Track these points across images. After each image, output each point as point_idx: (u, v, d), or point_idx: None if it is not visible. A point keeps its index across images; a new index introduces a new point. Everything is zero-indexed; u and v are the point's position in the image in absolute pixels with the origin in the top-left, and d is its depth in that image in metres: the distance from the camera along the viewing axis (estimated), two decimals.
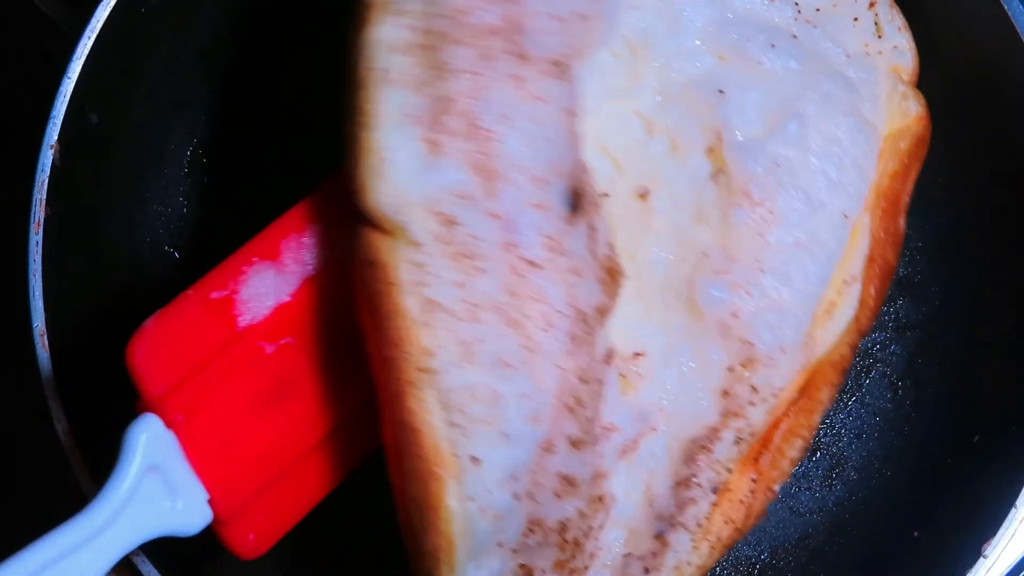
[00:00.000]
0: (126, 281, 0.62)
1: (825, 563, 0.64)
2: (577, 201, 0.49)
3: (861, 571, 0.62)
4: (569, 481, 0.49)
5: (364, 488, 0.55)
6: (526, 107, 0.48)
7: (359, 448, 0.54)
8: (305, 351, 0.51)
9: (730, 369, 0.53)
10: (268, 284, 0.51)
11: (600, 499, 0.51)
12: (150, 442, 0.47)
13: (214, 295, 0.50)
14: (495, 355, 0.46)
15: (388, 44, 0.47)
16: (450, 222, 0.46)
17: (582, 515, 0.50)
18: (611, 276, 0.51)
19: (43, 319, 0.56)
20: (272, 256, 0.51)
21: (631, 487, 0.53)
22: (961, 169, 0.62)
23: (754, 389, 0.53)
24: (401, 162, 0.46)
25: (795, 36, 0.55)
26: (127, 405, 0.58)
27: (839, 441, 0.65)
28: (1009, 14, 0.58)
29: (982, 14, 0.59)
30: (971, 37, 0.61)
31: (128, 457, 0.46)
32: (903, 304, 0.65)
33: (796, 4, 0.56)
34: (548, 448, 0.48)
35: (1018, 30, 0.58)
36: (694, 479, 0.53)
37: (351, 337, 0.51)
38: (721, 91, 0.53)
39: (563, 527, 0.50)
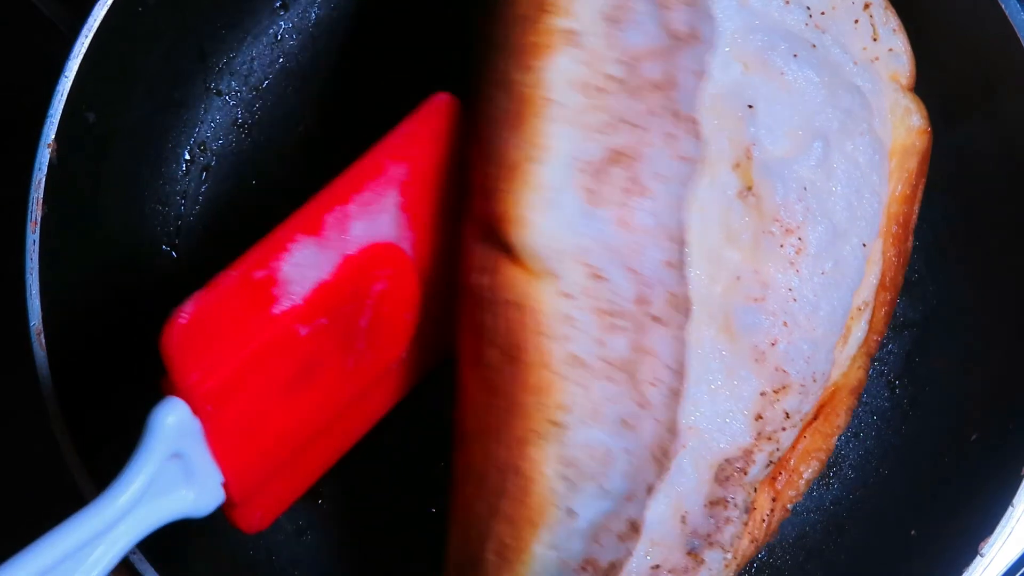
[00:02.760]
0: (124, 280, 0.62)
1: (822, 562, 0.64)
2: (683, 256, 0.49)
3: (858, 570, 0.62)
4: (635, 526, 0.50)
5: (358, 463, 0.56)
6: (675, 166, 0.48)
7: (363, 424, 0.54)
8: (337, 331, 0.50)
9: (763, 394, 0.53)
10: (309, 260, 0.49)
11: (637, 528, 0.51)
12: (175, 428, 0.46)
13: (256, 274, 0.48)
14: (618, 415, 0.46)
15: (567, 78, 0.46)
16: (597, 276, 0.46)
17: (628, 551, 0.51)
18: (685, 316, 0.50)
19: (40, 318, 0.55)
20: (314, 231, 0.50)
21: (654, 501, 0.53)
22: (959, 169, 0.62)
23: (787, 415, 0.54)
24: (564, 206, 0.45)
25: (814, 46, 0.55)
26: (125, 404, 0.58)
27: (836, 440, 0.65)
28: (1007, 14, 0.58)
29: (979, 13, 0.59)
30: (968, 36, 0.61)
31: (152, 442, 0.46)
32: (901, 303, 0.65)
33: (808, 8, 0.55)
34: (630, 498, 0.48)
35: (1015, 29, 0.58)
36: (731, 499, 0.53)
37: (382, 315, 0.51)
38: (750, 106, 0.53)
39: (612, 565, 0.50)
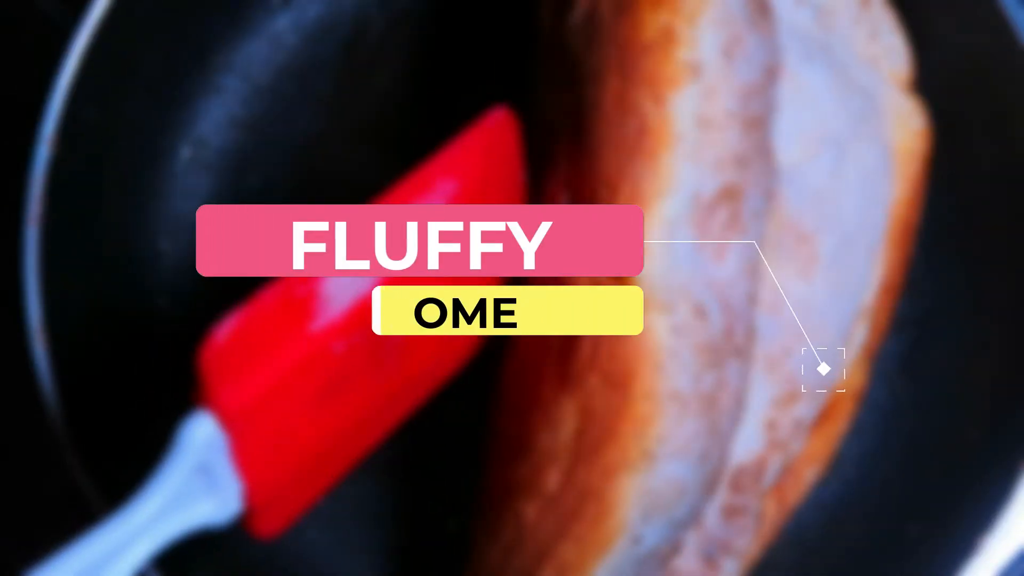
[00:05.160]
0: (123, 278, 0.62)
1: (821, 558, 0.64)
2: (757, 289, 0.49)
3: (857, 566, 0.63)
4: (678, 548, 0.50)
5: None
6: (762, 201, 0.48)
7: (382, 433, 0.54)
8: (370, 348, 0.50)
9: (774, 402, 0.54)
10: (351, 277, 0.49)
11: (679, 549, 0.51)
12: (204, 442, 0.45)
13: (297, 292, 0.47)
14: (700, 449, 0.47)
15: (692, 112, 0.46)
16: (700, 311, 0.46)
17: (665, 567, 0.51)
18: (753, 344, 0.51)
19: (39, 316, 0.55)
20: None
21: None
22: (958, 165, 0.62)
23: (798, 423, 0.54)
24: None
25: (824, 47, 0.55)
26: (127, 403, 0.58)
27: (838, 442, 0.65)
28: (1005, 12, 0.58)
29: (976, 11, 0.59)
30: (966, 34, 0.61)
31: (180, 455, 0.45)
32: (900, 301, 0.65)
33: (814, 7, 0.55)
34: (685, 526, 0.49)
35: (1014, 26, 0.58)
36: (745, 508, 0.54)
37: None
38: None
39: None
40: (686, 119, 0.46)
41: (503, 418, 0.55)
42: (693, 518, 0.49)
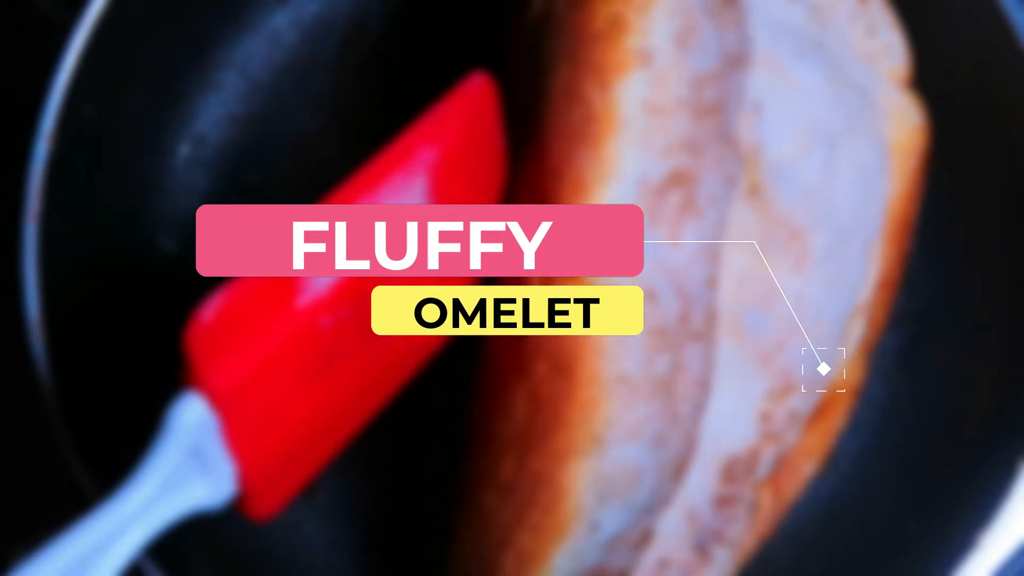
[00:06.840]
0: (121, 275, 0.62)
1: (819, 555, 0.64)
2: (719, 273, 0.50)
3: (855, 562, 0.63)
4: (648, 535, 0.50)
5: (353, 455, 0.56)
6: (722, 187, 0.48)
7: (371, 410, 0.54)
8: (358, 321, 0.50)
9: (768, 395, 0.54)
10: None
11: (649, 537, 0.51)
12: (195, 424, 0.45)
13: None
14: (654, 432, 0.47)
15: (640, 99, 0.46)
16: (651, 296, 0.46)
17: (638, 558, 0.51)
18: (714, 330, 0.51)
19: (38, 312, 0.55)
20: None
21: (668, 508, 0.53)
22: (956, 163, 0.62)
23: (792, 415, 0.54)
24: None
25: (817, 44, 0.55)
26: (125, 398, 0.58)
27: (835, 438, 0.65)
28: (1005, 11, 0.58)
29: (975, 11, 0.60)
30: (965, 34, 0.61)
31: (171, 438, 0.45)
32: (898, 296, 0.65)
33: (809, 4, 0.55)
34: (650, 511, 0.49)
35: (1013, 26, 0.58)
36: (738, 498, 0.54)
37: None
38: (757, 104, 0.53)
39: (622, 572, 0.51)
40: (632, 106, 0.46)
41: (476, 411, 0.55)
42: (658, 503, 0.49)
